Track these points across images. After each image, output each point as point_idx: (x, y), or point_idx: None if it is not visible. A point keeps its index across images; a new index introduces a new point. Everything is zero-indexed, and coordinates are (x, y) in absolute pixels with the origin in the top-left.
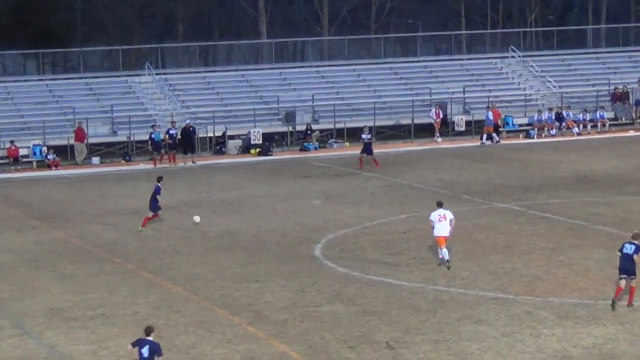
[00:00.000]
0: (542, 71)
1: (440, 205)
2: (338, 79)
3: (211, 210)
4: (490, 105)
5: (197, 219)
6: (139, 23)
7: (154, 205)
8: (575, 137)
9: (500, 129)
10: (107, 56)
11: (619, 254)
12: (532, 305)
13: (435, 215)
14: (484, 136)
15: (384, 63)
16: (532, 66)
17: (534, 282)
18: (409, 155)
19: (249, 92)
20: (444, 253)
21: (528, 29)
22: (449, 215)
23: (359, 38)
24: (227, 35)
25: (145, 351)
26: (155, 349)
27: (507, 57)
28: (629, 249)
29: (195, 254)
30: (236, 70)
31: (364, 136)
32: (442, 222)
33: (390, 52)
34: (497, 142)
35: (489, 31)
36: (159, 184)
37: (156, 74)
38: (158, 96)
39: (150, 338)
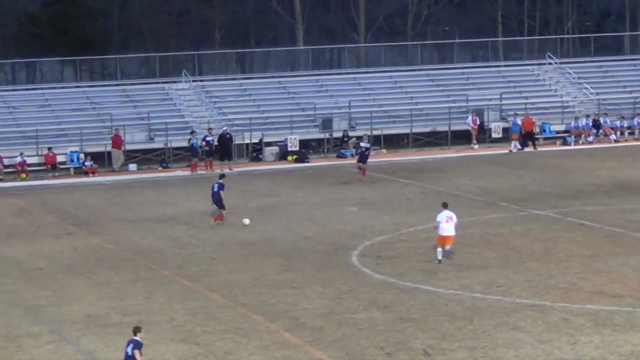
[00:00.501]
0: (579, 78)
1: (445, 206)
2: (375, 86)
3: (248, 217)
4: (521, 114)
5: (246, 221)
6: (176, 30)
7: (220, 202)
8: (613, 144)
9: (537, 137)
10: (144, 63)
11: None
12: (569, 313)
13: (442, 216)
14: (513, 143)
15: (420, 70)
16: (569, 73)
17: (571, 289)
18: (445, 162)
19: (286, 99)
20: (439, 253)
21: (565, 36)
22: (454, 216)
23: (396, 45)
24: (264, 42)
25: (129, 350)
26: (136, 345)
27: (544, 64)
28: None
29: (232, 260)
30: (273, 77)
31: (362, 144)
32: (449, 223)
33: (426, 58)
34: (520, 149)
35: (526, 38)
36: (220, 181)
37: (193, 81)
38: (195, 103)
39: (136, 338)
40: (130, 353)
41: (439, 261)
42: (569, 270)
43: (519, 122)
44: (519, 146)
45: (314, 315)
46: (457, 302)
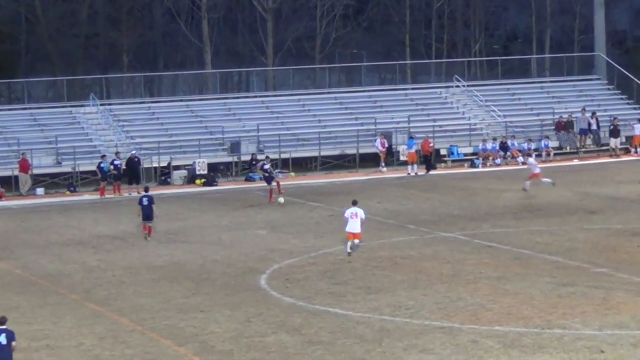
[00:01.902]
0: (486, 100)
1: (355, 203)
2: (283, 109)
3: (156, 241)
4: (420, 136)
5: (281, 200)
6: (84, 54)
7: (151, 215)
8: (520, 166)
9: (445, 159)
10: (51, 87)
11: None
12: (477, 334)
13: (348, 212)
14: (409, 167)
15: (328, 93)
16: (476, 95)
17: (479, 311)
18: (354, 185)
19: (194, 123)
20: (348, 246)
21: (472, 59)
22: (360, 213)
23: (304, 68)
24: (172, 66)
25: (3, 339)
26: (9, 336)
27: (452, 87)
28: None
29: (140, 284)
30: (181, 100)
31: (265, 167)
32: (354, 220)
33: (335, 82)
34: (416, 174)
35: (434, 61)
36: (149, 194)
37: (101, 105)
38: (103, 127)
39: (4, 327)
40: (4, 343)
41: (349, 254)
42: (477, 292)
43: (414, 143)
44: (416, 170)
45: (222, 339)
46: (366, 325)
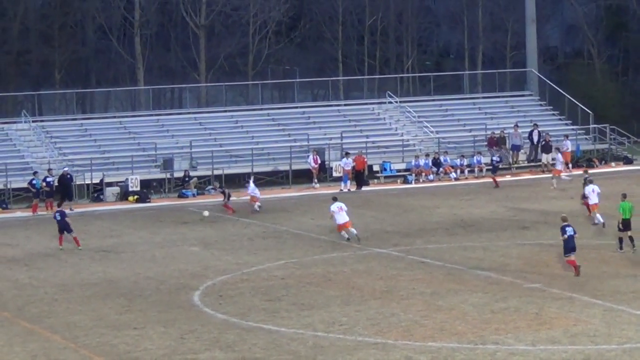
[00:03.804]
0: (419, 117)
1: (335, 199)
2: (215, 126)
3: (89, 258)
4: (353, 152)
5: (206, 213)
6: (15, 70)
7: (68, 226)
8: (453, 182)
9: (378, 175)
10: None
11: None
12: (411, 350)
13: (335, 207)
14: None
15: (261, 109)
16: (409, 112)
17: (412, 327)
18: (287, 202)
19: (127, 139)
20: (344, 234)
21: (405, 75)
22: (344, 206)
23: (236, 84)
24: (105, 82)
25: None
26: None
27: (385, 103)
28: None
29: (73, 301)
30: (113, 117)
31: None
32: (342, 212)
33: (267, 98)
34: (349, 190)
35: (366, 77)
36: (60, 209)
37: (33, 121)
38: (35, 143)
39: None
40: None
41: (348, 239)
42: (410, 308)
43: (350, 160)
44: (349, 186)
45: (156, 356)
46: (300, 341)
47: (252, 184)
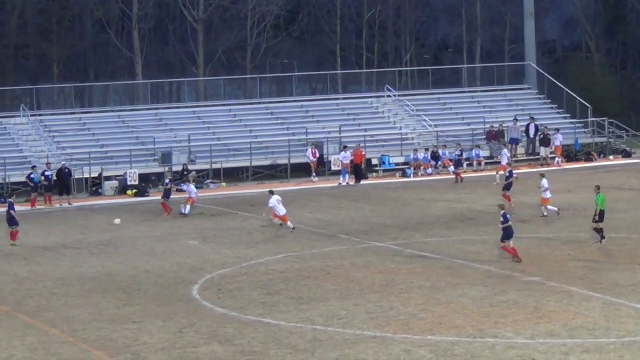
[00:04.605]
0: (418, 110)
1: (272, 193)
2: (214, 120)
3: (88, 252)
4: (351, 146)
5: (117, 221)
6: (14, 64)
7: (12, 220)
8: (452, 176)
9: (377, 169)
10: None
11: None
12: (410, 344)
13: (274, 200)
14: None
15: (260, 103)
16: (407, 105)
17: (412, 320)
18: (286, 196)
19: (125, 133)
20: (289, 226)
21: (403, 69)
22: (280, 199)
23: (235, 78)
24: (103, 76)
25: None
26: None
27: (383, 97)
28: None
29: (72, 295)
30: (112, 111)
31: (166, 181)
32: (281, 205)
33: (266, 92)
34: (347, 184)
35: (365, 71)
36: (11, 200)
37: (31, 116)
38: (33, 138)
39: None
40: None
41: (294, 228)
42: (409, 301)
43: (349, 154)
44: (348, 180)
45: (155, 350)
46: (299, 335)
47: (192, 185)
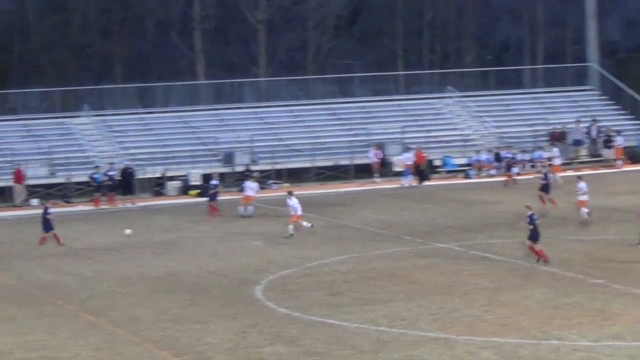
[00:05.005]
0: (480, 111)
1: (291, 194)
2: (276, 120)
3: (151, 252)
4: (413, 147)
5: (128, 231)
6: (77, 64)
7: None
8: (516, 177)
9: (438, 170)
10: (45, 98)
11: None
12: (474, 346)
13: (294, 201)
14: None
15: (321, 104)
16: (470, 106)
17: (475, 322)
18: (348, 196)
19: (187, 134)
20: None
21: (465, 70)
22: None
23: (297, 79)
24: (165, 77)
25: None
26: None
27: (445, 97)
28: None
29: (136, 295)
30: (174, 111)
31: (212, 182)
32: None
33: (328, 92)
34: (410, 185)
35: (427, 72)
36: (48, 205)
37: (94, 116)
38: (96, 137)
39: None
40: None
41: (312, 225)
42: (473, 303)
43: (411, 155)
44: (410, 181)
45: (219, 350)
46: (362, 336)
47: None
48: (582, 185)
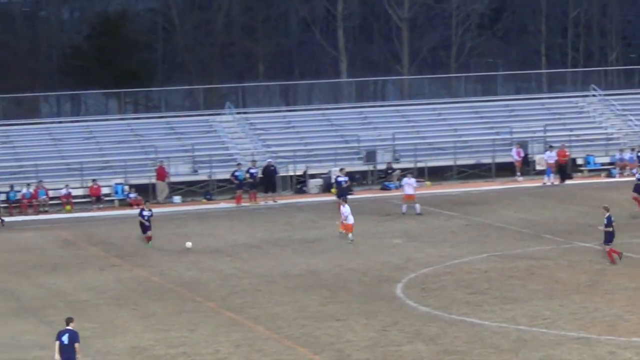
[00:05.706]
0: (623, 110)
1: (345, 200)
2: (418, 118)
3: (292, 250)
4: (556, 146)
5: (189, 244)
6: (220, 62)
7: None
8: None
9: (581, 169)
10: (188, 95)
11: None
12: (615, 346)
13: (347, 209)
14: (547, 177)
15: (464, 102)
16: (613, 105)
17: (616, 322)
18: (490, 195)
19: (330, 131)
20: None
21: (609, 68)
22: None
23: (439, 77)
24: (308, 75)
25: (65, 339)
26: (73, 336)
27: (588, 96)
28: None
29: (276, 292)
30: (317, 109)
31: (340, 179)
32: (349, 214)
33: (470, 91)
34: (552, 184)
35: (570, 70)
36: (142, 207)
37: (237, 113)
38: (239, 135)
39: (69, 327)
40: (66, 342)
41: (352, 240)
42: (614, 302)
43: (554, 153)
44: (552, 180)
45: (358, 348)
46: (503, 335)
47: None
48: None
